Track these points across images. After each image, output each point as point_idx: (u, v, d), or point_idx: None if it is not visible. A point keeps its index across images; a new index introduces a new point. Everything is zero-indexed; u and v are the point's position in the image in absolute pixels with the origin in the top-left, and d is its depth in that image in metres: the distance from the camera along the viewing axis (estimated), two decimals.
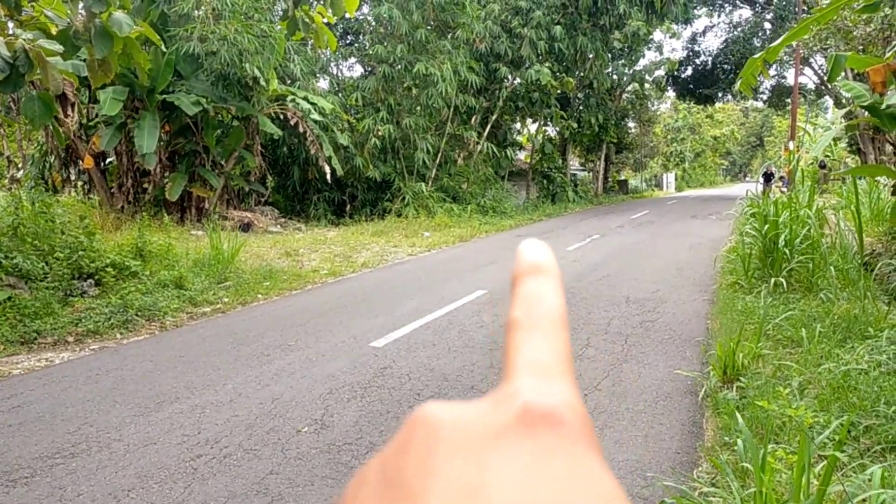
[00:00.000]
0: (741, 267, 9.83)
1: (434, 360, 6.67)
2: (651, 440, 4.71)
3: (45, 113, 9.11)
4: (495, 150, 25.30)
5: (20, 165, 19.30)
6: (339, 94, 24.42)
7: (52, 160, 18.46)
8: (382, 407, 5.33)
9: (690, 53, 44.13)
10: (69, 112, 10.47)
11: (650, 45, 35.84)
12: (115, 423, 4.94)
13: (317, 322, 8.38)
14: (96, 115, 17.17)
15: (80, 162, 17.48)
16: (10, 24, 9.89)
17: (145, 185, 18.01)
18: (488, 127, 26.71)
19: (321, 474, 4.15)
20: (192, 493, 3.87)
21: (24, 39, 8.45)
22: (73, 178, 18.84)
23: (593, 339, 7.54)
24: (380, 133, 21.89)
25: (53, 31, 9.28)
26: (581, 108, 34.63)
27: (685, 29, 40.86)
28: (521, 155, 36.63)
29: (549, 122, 31.86)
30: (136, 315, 8.47)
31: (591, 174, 44.08)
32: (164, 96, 16.68)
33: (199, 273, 10.58)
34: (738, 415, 4.03)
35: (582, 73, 31.24)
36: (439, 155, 24.31)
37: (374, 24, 24.06)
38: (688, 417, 5.15)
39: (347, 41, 28.24)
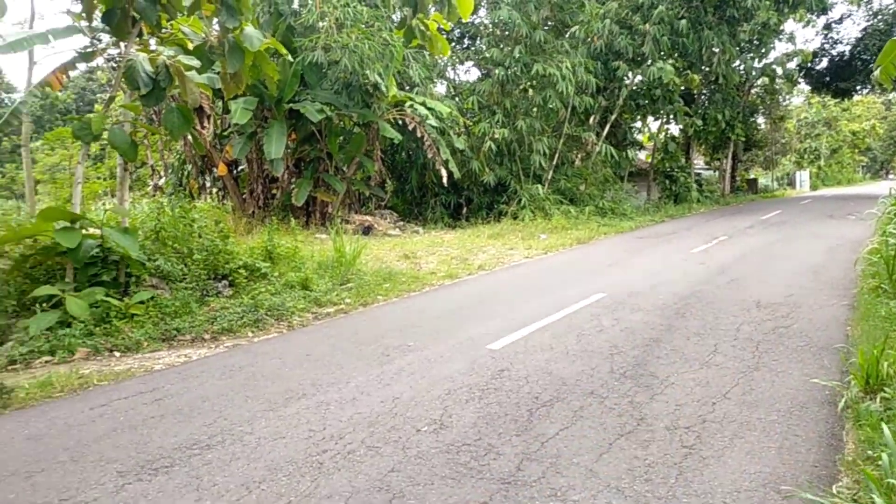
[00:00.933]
0: (885, 270, 9.11)
1: (552, 363, 6.59)
2: (786, 452, 4.45)
3: (183, 124, 9.72)
4: (614, 151, 24.76)
5: (162, 174, 20.79)
6: (456, 99, 24.69)
7: (189, 168, 19.75)
8: (500, 409, 5.32)
9: (826, 44, 41.43)
10: (205, 123, 11.21)
11: (781, 36, 33.83)
12: (246, 417, 5.20)
13: (435, 323, 8.49)
14: (229, 126, 18.22)
15: (215, 170, 18.60)
16: (152, 42, 10.67)
17: (274, 191, 18.93)
18: (607, 127, 26.20)
19: (441, 474, 4.19)
20: (318, 487, 4.01)
21: (165, 56, 9.07)
22: (208, 185, 20.07)
23: (721, 345, 7.21)
24: (495, 136, 21.94)
25: (190, 46, 9.92)
26: (706, 104, 33.35)
27: (820, 17, 38.14)
28: (642, 155, 35.67)
29: (671, 120, 30.86)
30: (266, 314, 8.89)
31: (716, 173, 42.32)
32: (291, 105, 17.45)
33: (323, 275, 10.98)
34: (884, 427, 3.73)
35: (707, 69, 30.06)
36: (556, 156, 24.08)
37: (490, 27, 24.17)
38: (826, 429, 4.82)
39: (464, 45, 28.51)
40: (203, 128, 10.75)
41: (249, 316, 8.70)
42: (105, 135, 9.31)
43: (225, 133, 18.81)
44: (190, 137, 12.96)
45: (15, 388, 6.06)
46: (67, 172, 30.98)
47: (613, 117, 26.31)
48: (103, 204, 17.69)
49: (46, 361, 7.52)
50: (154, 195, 18.34)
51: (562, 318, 8.57)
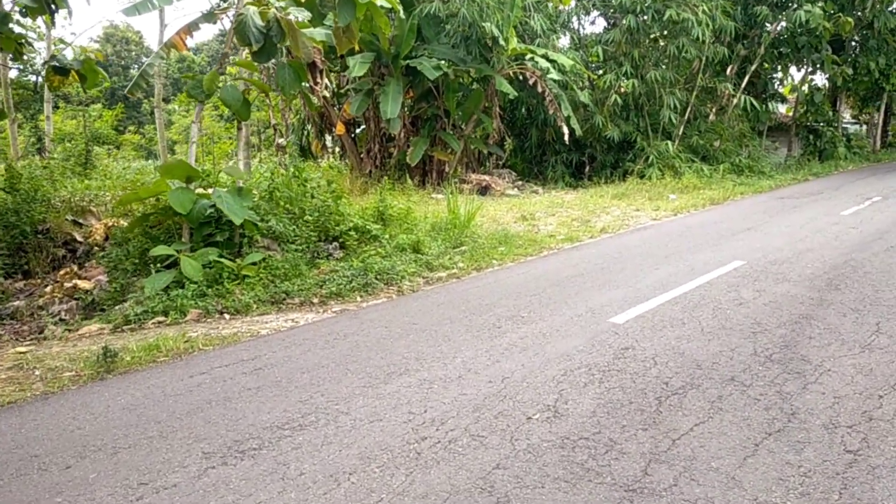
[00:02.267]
0: None
1: (684, 342, 5.83)
2: None
3: (295, 80, 9.47)
4: (754, 102, 22.73)
5: (283, 133, 21.03)
6: (580, 51, 23.40)
7: (309, 128, 19.81)
8: (623, 396, 4.66)
9: None
10: (318, 78, 10.97)
11: None
12: (344, 394, 4.82)
13: (552, 292, 7.85)
14: (347, 83, 18.05)
15: (334, 129, 18.54)
16: None
17: (391, 150, 18.67)
18: (745, 78, 24.09)
19: (553, 474, 3.63)
20: (412, 483, 3.56)
21: (275, 9, 8.77)
22: (328, 144, 20.09)
23: (885, 323, 6.19)
24: (622, 89, 20.61)
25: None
26: (857, 51, 30.02)
27: None
28: (782, 108, 32.85)
29: (817, 70, 28.07)
30: (376, 279, 8.56)
31: (865, 128, 38.44)
32: (408, 62, 17.01)
33: (436, 237, 10.55)
34: None
35: (860, 12, 26.94)
36: (688, 111, 22.40)
37: None
38: None
39: None
40: (315, 83, 10.50)
41: (358, 280, 8.40)
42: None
43: (343, 91, 18.66)
44: (305, 95, 12.82)
45: (122, 352, 6.01)
46: (201, 134, 32.31)
47: (753, 68, 24.13)
48: (233, 163, 18.05)
49: (159, 322, 7.53)
50: (277, 155, 18.54)
51: (695, 289, 7.71)
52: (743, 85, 23.84)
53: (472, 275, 9.26)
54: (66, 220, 11.15)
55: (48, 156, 18.06)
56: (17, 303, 9.06)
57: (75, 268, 10.04)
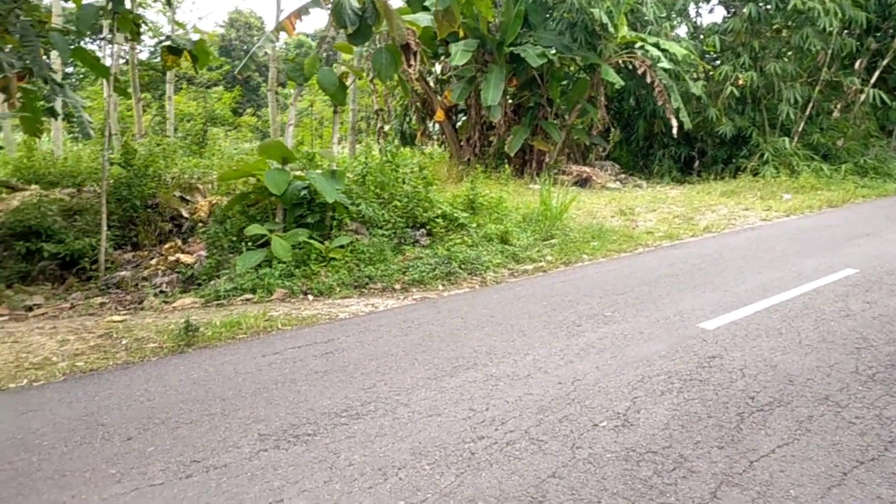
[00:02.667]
0: None
1: (778, 354, 5.40)
2: None
3: (391, 64, 9.43)
4: (884, 97, 21.01)
5: (387, 119, 21.25)
6: (696, 41, 22.33)
7: (412, 114, 19.91)
8: (703, 409, 4.34)
9: None
10: (412, 62, 10.89)
11: None
12: (407, 385, 4.74)
13: (641, 291, 7.49)
14: (449, 70, 17.99)
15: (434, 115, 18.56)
16: None
17: (491, 139, 18.49)
18: (876, 73, 22.28)
19: (611, 489, 3.40)
20: (461, 485, 3.42)
21: None
22: (429, 131, 20.15)
23: None
24: (740, 82, 19.51)
25: None
26: None
27: None
28: None
29: None
30: (459, 268, 8.46)
31: None
32: (512, 49, 16.74)
33: (526, 229, 10.33)
34: None
35: None
36: (809, 106, 20.96)
37: None
38: None
39: None
40: (410, 66, 10.45)
41: (442, 268, 8.31)
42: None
43: (446, 78, 18.61)
44: (401, 80, 12.82)
45: (206, 327, 6.17)
46: (311, 118, 33.23)
47: (885, 62, 22.26)
48: (342, 147, 18.39)
49: (246, 300, 7.72)
50: (378, 140, 18.75)
51: (798, 297, 7.16)
52: (872, 81, 22.06)
53: (559, 269, 8.99)
54: (174, 195, 11.66)
55: (162, 135, 18.96)
56: (123, 273, 9.53)
57: (179, 242, 10.48)
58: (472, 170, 16.39)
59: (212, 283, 8.39)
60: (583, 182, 17.47)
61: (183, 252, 10.03)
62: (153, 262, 9.91)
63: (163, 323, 6.53)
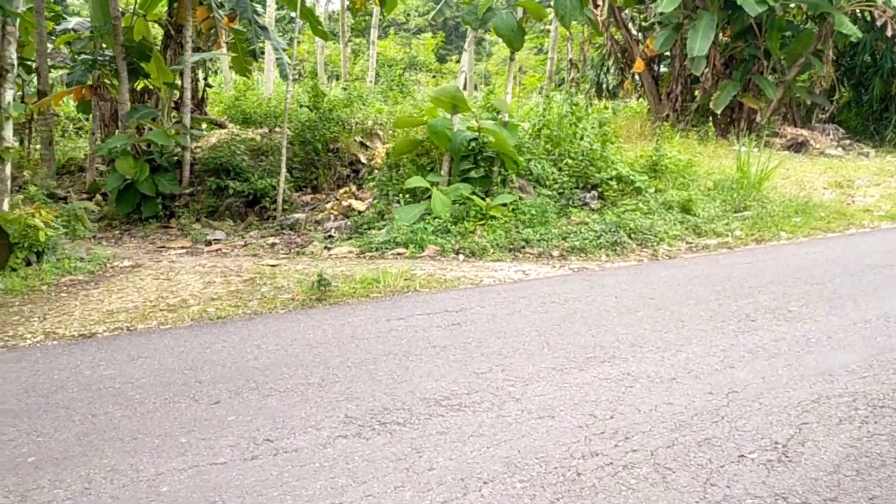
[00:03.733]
0: None
1: None
2: None
3: (576, 7, 8.64)
4: None
5: (580, 69, 20.12)
6: None
7: (609, 64, 18.64)
8: (891, 450, 3.35)
9: None
10: (598, 2, 9.91)
11: None
12: (527, 374, 4.16)
13: (840, 282, 6.25)
14: (653, 16, 16.50)
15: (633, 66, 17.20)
16: None
17: (696, 93, 16.83)
18: None
19: None
20: None
21: None
22: (626, 83, 18.80)
23: None
24: None
25: None
26: None
27: None
28: None
29: None
30: (629, 237, 7.63)
31: None
32: None
33: (715, 198, 9.14)
34: None
35: None
36: None
37: None
38: None
39: None
40: (596, 7, 9.50)
41: (608, 236, 7.53)
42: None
43: (649, 25, 17.09)
44: (590, 22, 11.83)
45: (343, 281, 5.99)
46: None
47: None
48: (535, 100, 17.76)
49: (398, 254, 7.50)
50: (570, 90, 17.80)
51: None
52: None
53: (748, 246, 7.84)
54: (355, 141, 11.77)
55: (361, 80, 19.35)
56: (299, 215, 9.76)
57: (354, 188, 10.55)
58: (671, 128, 15.04)
59: (371, 232, 8.29)
60: (797, 146, 15.39)
61: (356, 198, 10.06)
62: (328, 206, 10.06)
63: (310, 271, 6.45)
